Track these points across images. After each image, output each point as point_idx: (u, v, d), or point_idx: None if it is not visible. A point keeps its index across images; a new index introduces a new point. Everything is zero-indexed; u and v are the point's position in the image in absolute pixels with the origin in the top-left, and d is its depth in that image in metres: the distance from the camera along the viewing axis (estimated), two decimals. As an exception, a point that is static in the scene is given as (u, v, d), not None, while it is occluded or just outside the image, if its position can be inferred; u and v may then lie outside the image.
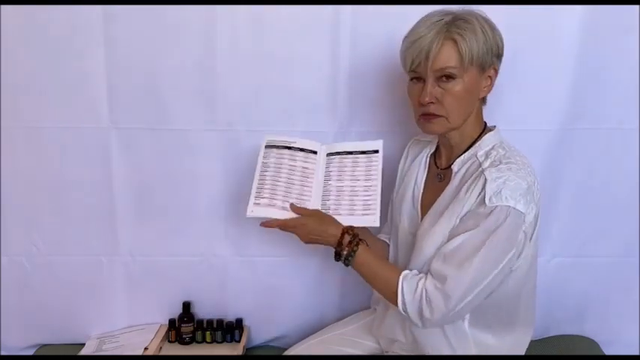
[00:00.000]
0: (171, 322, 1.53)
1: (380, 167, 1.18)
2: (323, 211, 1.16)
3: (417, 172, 1.20)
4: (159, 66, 1.34)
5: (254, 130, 1.38)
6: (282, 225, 1.14)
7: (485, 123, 1.13)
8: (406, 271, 1.05)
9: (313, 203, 1.17)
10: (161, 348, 1.49)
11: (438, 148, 1.19)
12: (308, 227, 1.13)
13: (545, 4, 1.28)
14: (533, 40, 1.27)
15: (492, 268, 0.98)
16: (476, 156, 1.07)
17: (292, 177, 1.20)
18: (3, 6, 1.30)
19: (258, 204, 1.17)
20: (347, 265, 1.10)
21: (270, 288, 1.52)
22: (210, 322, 1.52)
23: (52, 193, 1.43)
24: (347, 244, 1.09)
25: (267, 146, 1.24)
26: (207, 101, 1.36)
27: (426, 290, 1.00)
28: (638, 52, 1.32)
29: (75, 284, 1.49)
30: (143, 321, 1.55)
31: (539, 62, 1.30)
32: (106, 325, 1.54)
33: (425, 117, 1.07)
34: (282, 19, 1.31)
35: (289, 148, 1.23)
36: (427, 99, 1.03)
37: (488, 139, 1.09)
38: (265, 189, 1.18)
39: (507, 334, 1.13)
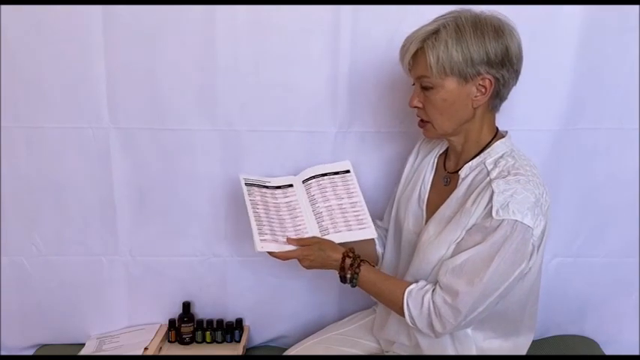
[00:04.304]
0: (171, 322, 1.53)
1: (357, 184, 1.24)
2: (322, 232, 1.18)
3: (424, 172, 1.19)
4: (159, 66, 1.34)
5: (254, 130, 1.38)
6: (285, 257, 1.15)
7: (497, 129, 1.12)
8: (411, 287, 1.05)
9: (311, 230, 1.19)
10: (161, 348, 1.49)
11: (447, 149, 1.19)
12: (310, 257, 1.14)
13: (545, 4, 1.28)
14: (533, 40, 1.26)
15: (503, 281, 0.98)
16: (484, 164, 1.06)
17: (281, 213, 1.22)
18: (3, 6, 1.30)
19: (265, 240, 1.16)
20: (353, 286, 1.12)
21: (270, 288, 1.52)
22: (210, 322, 1.52)
23: (52, 193, 1.43)
24: (349, 267, 1.10)
25: (247, 184, 1.23)
26: (207, 101, 1.36)
27: (434, 303, 1.00)
28: (638, 51, 1.32)
29: (75, 284, 1.50)
30: (143, 321, 1.54)
31: (539, 62, 1.30)
32: (106, 325, 1.54)
33: (419, 122, 1.12)
34: (282, 19, 1.31)
35: (266, 187, 1.25)
36: (412, 103, 1.08)
37: (498, 147, 1.07)
38: (264, 226, 1.18)
39: (510, 339, 1.13)
